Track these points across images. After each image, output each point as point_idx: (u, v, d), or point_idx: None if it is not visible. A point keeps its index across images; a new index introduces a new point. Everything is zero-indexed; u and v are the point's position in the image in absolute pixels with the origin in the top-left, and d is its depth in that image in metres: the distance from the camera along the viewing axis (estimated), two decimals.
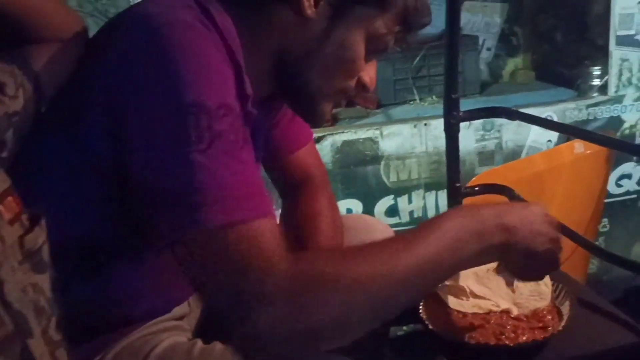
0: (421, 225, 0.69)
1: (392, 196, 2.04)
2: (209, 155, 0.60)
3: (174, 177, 0.60)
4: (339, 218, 0.99)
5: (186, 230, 0.60)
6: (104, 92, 0.65)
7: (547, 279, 0.96)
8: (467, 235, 0.68)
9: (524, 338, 0.89)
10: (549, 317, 0.94)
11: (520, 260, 0.73)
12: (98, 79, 0.66)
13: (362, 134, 1.98)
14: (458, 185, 1.33)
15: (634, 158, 2.10)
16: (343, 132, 1.98)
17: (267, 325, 0.59)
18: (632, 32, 2.00)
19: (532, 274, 0.79)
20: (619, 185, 2.17)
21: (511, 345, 0.88)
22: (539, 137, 2.05)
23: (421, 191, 2.06)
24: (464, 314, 0.95)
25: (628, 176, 2.17)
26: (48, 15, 0.69)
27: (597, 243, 2.20)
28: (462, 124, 1.29)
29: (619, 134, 2.10)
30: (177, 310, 0.81)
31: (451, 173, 1.32)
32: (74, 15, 0.75)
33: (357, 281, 0.61)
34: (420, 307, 0.94)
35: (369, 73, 0.80)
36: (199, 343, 0.74)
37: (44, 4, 0.69)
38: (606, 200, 2.07)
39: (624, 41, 2.00)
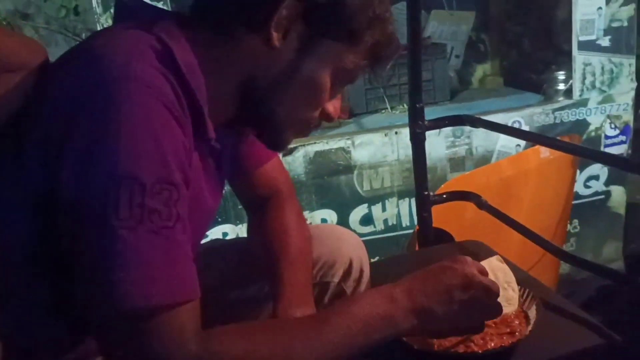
0: (334, 309, 0.73)
1: (366, 205, 2.06)
2: (137, 233, 0.58)
3: (98, 249, 0.59)
4: (307, 229, 1.00)
5: (101, 305, 0.60)
6: (44, 138, 0.63)
7: (514, 283, 0.97)
8: (376, 322, 0.71)
9: (492, 344, 0.90)
10: (517, 322, 0.95)
11: (444, 327, 0.78)
12: (42, 117, 0.65)
13: (334, 144, 1.99)
14: (426, 193, 1.35)
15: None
16: (315, 143, 1.99)
17: None
18: (593, 37, 2.05)
19: (468, 330, 0.84)
20: (587, 187, 2.22)
21: (479, 352, 0.88)
22: (508, 142, 2.08)
23: (394, 199, 2.08)
24: None
25: (596, 177, 2.21)
26: (4, 47, 0.68)
27: (568, 244, 2.24)
28: (432, 132, 1.31)
29: (585, 136, 2.15)
30: None
31: (419, 181, 1.34)
32: (33, 44, 0.74)
33: None
34: None
35: (333, 104, 0.80)
36: None
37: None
38: (575, 202, 2.11)
39: (586, 46, 2.05)
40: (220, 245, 1.15)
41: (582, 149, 1.45)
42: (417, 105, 1.28)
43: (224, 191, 0.90)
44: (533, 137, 1.50)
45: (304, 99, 0.77)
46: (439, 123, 1.36)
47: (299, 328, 0.69)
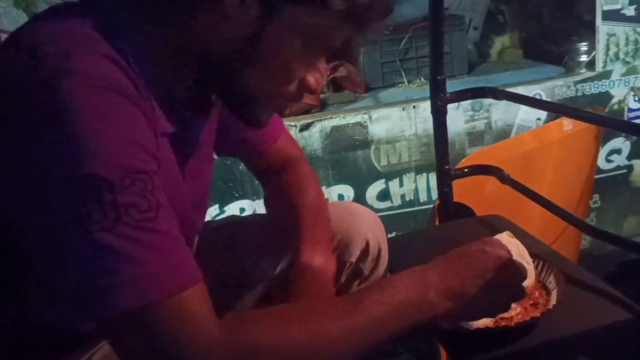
0: (369, 292, 0.69)
1: (383, 180, 2.04)
2: (116, 232, 0.54)
3: (77, 260, 0.55)
4: (320, 189, 1.00)
5: (99, 317, 0.56)
6: None
7: (527, 256, 0.96)
8: (412, 306, 0.69)
9: (519, 317, 0.89)
10: (537, 293, 0.94)
11: (479, 311, 0.78)
12: None
13: (350, 118, 1.97)
14: (447, 167, 1.33)
15: (623, 133, 2.10)
16: (332, 118, 1.97)
17: None
18: (618, 6, 1.99)
19: (498, 312, 0.83)
20: (609, 161, 2.18)
21: (511, 325, 0.87)
22: (528, 116, 2.04)
23: (412, 174, 2.05)
24: None
25: (618, 151, 2.17)
26: None
27: (589, 219, 2.21)
28: (451, 106, 1.28)
29: (607, 109, 2.10)
30: None
31: (440, 155, 1.32)
32: None
33: (296, 351, 0.61)
34: None
35: (313, 74, 0.72)
36: None
37: None
38: (597, 176, 2.07)
39: (611, 16, 1.99)
40: (239, 221, 1.14)
41: (607, 119, 1.41)
42: (439, 78, 1.25)
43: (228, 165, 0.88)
44: (556, 108, 1.47)
45: (273, 72, 0.69)
46: (460, 95, 1.33)
47: (335, 311, 0.66)
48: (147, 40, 0.65)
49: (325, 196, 1.13)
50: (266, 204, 1.04)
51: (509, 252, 0.80)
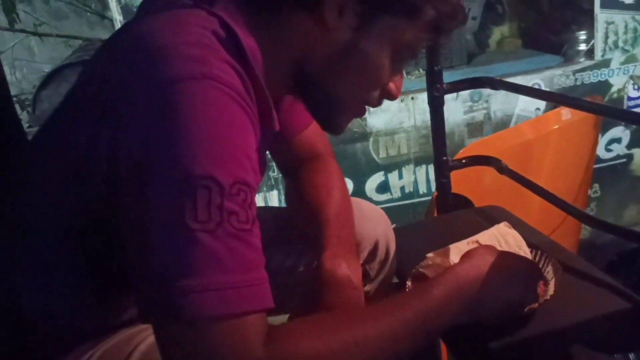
0: (402, 295, 0.72)
1: (382, 172, 2.04)
2: (216, 236, 0.55)
3: (172, 252, 0.55)
4: (347, 189, 0.97)
5: (169, 309, 0.55)
6: (108, 144, 0.60)
7: (525, 247, 0.96)
8: (448, 302, 0.71)
9: None
10: None
11: (505, 308, 0.80)
12: (102, 128, 0.61)
13: None
14: (445, 158, 1.32)
15: (623, 122, 2.09)
16: None
17: None
18: None
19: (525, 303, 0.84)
20: (608, 150, 2.17)
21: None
22: (528, 106, 2.04)
23: (411, 166, 2.05)
24: None
25: (617, 140, 2.17)
26: None
27: (589, 209, 2.21)
28: (450, 97, 1.27)
29: (606, 98, 2.10)
30: None
31: (437, 146, 1.31)
32: None
33: None
34: (407, 288, 0.94)
35: (395, 82, 0.75)
36: (142, 346, 0.72)
37: None
38: (596, 166, 2.07)
39: (609, 4, 1.98)
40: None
41: (606, 107, 1.41)
42: (435, 68, 1.24)
43: None
44: (554, 97, 1.46)
45: (363, 80, 0.73)
46: (457, 86, 1.32)
47: (369, 319, 0.66)
48: (256, 47, 0.66)
49: None
50: (287, 198, 1.02)
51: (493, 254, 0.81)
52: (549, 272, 0.96)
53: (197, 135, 0.56)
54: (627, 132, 2.15)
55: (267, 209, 1.39)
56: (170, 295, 0.55)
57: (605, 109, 1.29)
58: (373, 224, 0.99)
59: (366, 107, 0.78)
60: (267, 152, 0.96)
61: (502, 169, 1.27)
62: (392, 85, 0.76)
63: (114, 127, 0.59)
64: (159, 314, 0.56)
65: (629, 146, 2.19)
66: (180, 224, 0.55)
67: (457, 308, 0.72)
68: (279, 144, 0.95)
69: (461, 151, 1.49)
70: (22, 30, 2.97)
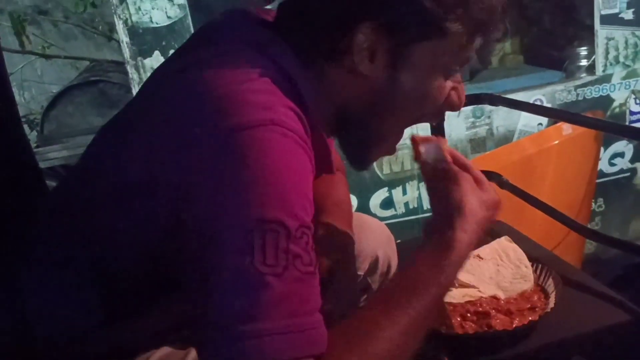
0: (397, 287, 0.67)
1: (386, 188, 2.05)
2: (284, 279, 0.56)
3: (241, 294, 0.55)
4: (349, 199, 0.97)
5: (246, 356, 0.55)
6: (170, 190, 0.60)
7: (525, 260, 0.96)
8: (438, 289, 0.66)
9: (517, 321, 0.89)
10: (535, 297, 0.95)
11: (481, 225, 0.71)
12: (161, 173, 0.61)
13: None
14: None
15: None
16: None
17: None
18: (616, 10, 1.99)
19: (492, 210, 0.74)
20: (612, 164, 2.17)
21: (509, 330, 0.87)
22: (530, 121, 2.05)
23: (415, 182, 2.06)
24: (454, 305, 0.93)
25: (621, 155, 2.17)
26: None
27: (593, 223, 2.20)
28: (453, 113, 1.28)
29: (608, 112, 2.10)
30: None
31: None
32: None
33: None
34: None
35: (457, 91, 0.72)
36: (193, 352, 0.74)
37: None
38: (600, 180, 2.07)
39: (609, 20, 2.00)
40: None
41: (606, 123, 1.42)
42: None
43: None
44: (552, 113, 1.48)
45: (413, 109, 0.72)
46: None
47: (372, 322, 0.64)
48: (313, 90, 0.67)
49: None
50: None
51: (454, 154, 0.75)
52: (549, 285, 0.97)
53: (266, 180, 0.57)
54: (630, 146, 2.15)
55: None
56: (239, 339, 0.55)
57: (603, 125, 1.30)
58: (375, 236, 1.00)
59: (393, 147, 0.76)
60: None
61: (502, 183, 1.28)
62: (453, 96, 0.72)
63: (179, 172, 0.59)
64: (225, 357, 0.56)
65: (632, 160, 2.19)
66: (251, 267, 0.55)
67: (445, 280, 0.67)
68: None
69: None
70: (31, 52, 3.03)
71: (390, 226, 1.08)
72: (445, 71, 0.70)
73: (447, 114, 1.29)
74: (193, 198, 0.59)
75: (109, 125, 0.74)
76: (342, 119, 0.72)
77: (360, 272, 0.97)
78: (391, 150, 0.77)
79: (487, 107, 2.03)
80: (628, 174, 2.20)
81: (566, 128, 1.69)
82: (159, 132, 0.63)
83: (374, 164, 2.02)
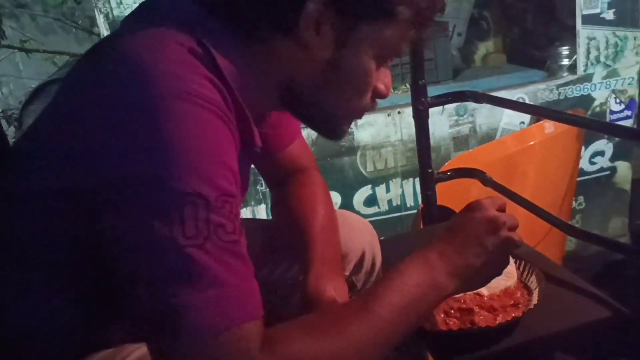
0: (380, 286, 0.69)
1: (369, 186, 2.05)
2: (206, 250, 0.56)
3: (164, 269, 0.55)
4: (331, 203, 0.98)
5: (177, 330, 0.55)
6: (87, 165, 0.60)
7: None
8: (423, 291, 0.69)
9: (500, 317, 0.90)
10: (519, 293, 0.95)
11: (484, 277, 0.77)
12: (79, 146, 0.61)
13: None
14: (430, 171, 1.34)
15: (606, 135, 2.12)
16: None
17: None
18: (597, 10, 2.02)
19: (499, 270, 0.80)
20: (592, 163, 2.20)
21: (492, 326, 0.88)
22: (512, 119, 2.06)
23: (398, 179, 2.07)
24: None
25: (601, 153, 2.20)
26: None
27: (574, 220, 2.23)
28: (435, 111, 1.29)
29: (589, 112, 2.13)
30: None
31: (422, 159, 1.33)
32: None
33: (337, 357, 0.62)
34: None
35: (383, 80, 0.75)
36: None
37: None
38: (581, 178, 2.09)
39: (590, 20, 2.02)
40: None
41: (587, 120, 1.43)
42: (420, 82, 1.26)
43: None
44: (535, 110, 1.49)
45: (352, 89, 0.74)
46: (441, 100, 1.34)
47: (353, 315, 0.66)
48: (232, 66, 0.66)
49: None
50: (273, 212, 1.02)
51: (500, 205, 0.79)
52: (532, 282, 0.97)
53: (180, 152, 0.56)
54: (610, 145, 2.18)
55: (256, 221, 1.39)
56: (168, 314, 0.55)
57: (584, 122, 1.32)
58: (359, 235, 1.00)
59: (361, 112, 0.78)
60: (252, 166, 0.97)
61: (486, 180, 1.29)
62: (380, 85, 0.76)
63: (97, 148, 0.59)
64: (157, 332, 0.56)
65: (612, 159, 2.22)
66: (171, 242, 0.55)
67: (435, 293, 0.71)
68: (265, 158, 0.96)
69: (446, 164, 1.50)
70: (8, 46, 2.97)
71: (373, 223, 1.08)
72: (380, 59, 0.72)
73: (431, 112, 1.31)
74: (108, 174, 0.58)
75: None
76: (292, 94, 0.73)
77: (346, 272, 0.96)
78: (358, 115, 0.78)
79: (470, 106, 2.04)
80: (608, 173, 2.23)
81: (548, 126, 1.71)
82: (84, 109, 0.62)
83: (358, 161, 2.02)
